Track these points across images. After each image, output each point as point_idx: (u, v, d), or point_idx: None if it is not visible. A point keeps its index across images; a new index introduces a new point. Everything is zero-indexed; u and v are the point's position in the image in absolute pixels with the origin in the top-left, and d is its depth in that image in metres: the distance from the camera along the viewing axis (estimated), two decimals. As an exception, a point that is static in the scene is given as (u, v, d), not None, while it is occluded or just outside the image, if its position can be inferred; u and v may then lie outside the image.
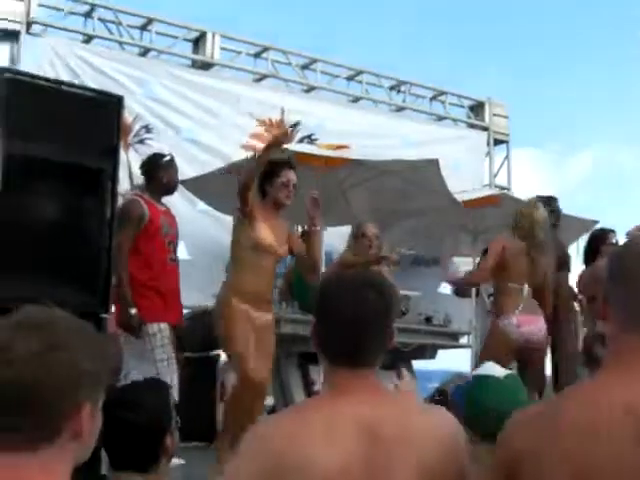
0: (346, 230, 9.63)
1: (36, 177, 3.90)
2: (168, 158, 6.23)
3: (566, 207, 8.45)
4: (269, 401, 7.99)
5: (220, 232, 9.65)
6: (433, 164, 8.10)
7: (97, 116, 4.11)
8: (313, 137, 10.59)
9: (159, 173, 6.01)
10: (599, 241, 7.54)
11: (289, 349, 8.55)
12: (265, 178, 5.71)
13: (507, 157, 13.97)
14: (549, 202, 7.35)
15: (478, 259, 9.46)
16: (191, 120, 10.19)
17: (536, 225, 6.39)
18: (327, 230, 8.76)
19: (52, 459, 1.53)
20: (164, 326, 5.72)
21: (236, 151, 10.26)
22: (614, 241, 7.54)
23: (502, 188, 13.09)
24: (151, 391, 2.69)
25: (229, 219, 9.83)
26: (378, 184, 8.93)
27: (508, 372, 3.33)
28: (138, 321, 5.56)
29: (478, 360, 6.45)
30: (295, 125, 7.66)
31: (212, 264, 8.85)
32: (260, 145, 10.42)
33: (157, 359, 5.66)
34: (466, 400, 3.03)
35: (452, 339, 9.84)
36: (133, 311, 5.54)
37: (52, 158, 3.92)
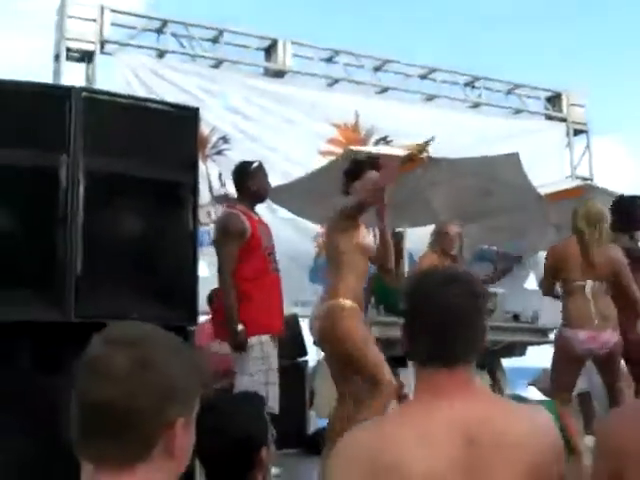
0: (427, 230, 9.59)
1: (117, 193, 3.92)
2: (256, 165, 6.10)
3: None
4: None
5: (302, 239, 9.67)
6: (513, 158, 7.97)
7: (175, 129, 4.12)
8: (388, 139, 10.57)
9: (248, 182, 5.91)
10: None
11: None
12: (350, 178, 5.53)
13: (588, 147, 13.72)
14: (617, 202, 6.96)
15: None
16: (267, 128, 10.24)
17: (578, 219, 6.16)
18: (407, 231, 8.70)
19: (147, 477, 1.50)
20: (265, 338, 5.69)
21: (314, 157, 10.32)
22: None
23: (584, 179, 12.87)
24: (244, 403, 2.67)
25: (311, 226, 9.93)
26: (458, 182, 8.80)
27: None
28: (245, 338, 5.54)
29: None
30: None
31: (294, 271, 8.84)
32: (337, 150, 10.47)
33: (252, 372, 5.62)
34: None
35: (541, 335, 9.64)
36: (240, 328, 5.50)
37: (132, 173, 3.93)
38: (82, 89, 3.99)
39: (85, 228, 3.75)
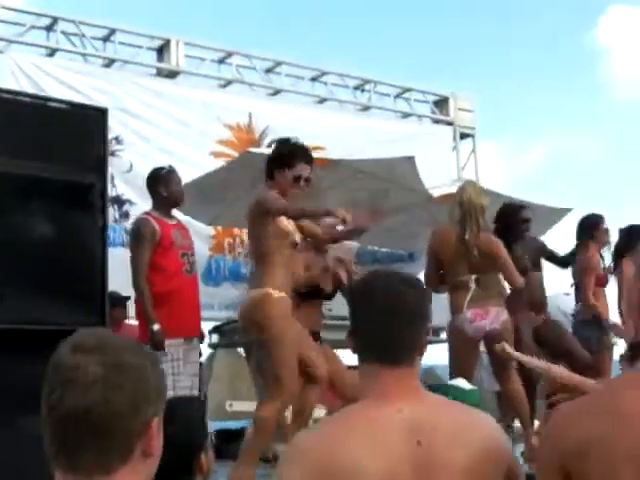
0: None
1: (24, 195, 3.84)
2: (166, 170, 6.12)
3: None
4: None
5: (195, 241, 9.57)
6: (410, 161, 8.11)
7: (83, 130, 4.06)
8: (282, 140, 10.54)
9: (159, 187, 5.93)
10: (592, 228, 7.65)
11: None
12: (276, 164, 5.36)
13: (473, 151, 14.00)
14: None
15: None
16: (160, 129, 10.12)
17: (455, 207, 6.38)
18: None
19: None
20: (173, 342, 5.68)
21: (207, 158, 10.27)
22: (605, 227, 7.65)
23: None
24: (184, 408, 2.64)
25: (205, 228, 9.88)
26: (354, 184, 8.90)
27: (474, 388, 3.65)
28: (161, 337, 5.50)
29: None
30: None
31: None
32: (229, 151, 10.44)
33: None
34: None
35: (433, 334, 9.84)
36: (155, 327, 5.48)
37: (39, 175, 3.86)
38: (-14, 88, 3.87)
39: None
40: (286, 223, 5.21)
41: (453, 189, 10.57)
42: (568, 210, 10.23)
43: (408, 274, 2.32)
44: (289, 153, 5.36)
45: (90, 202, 4.03)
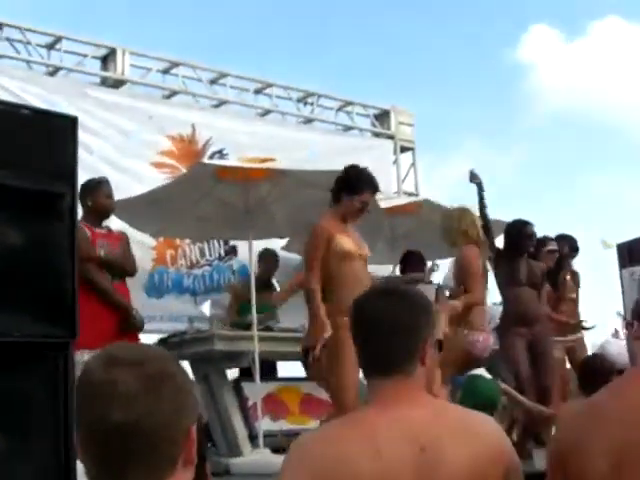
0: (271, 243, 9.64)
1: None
2: (95, 181, 6.26)
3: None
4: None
5: (137, 253, 9.52)
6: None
7: (52, 138, 3.97)
8: (224, 152, 10.55)
9: (86, 198, 6.04)
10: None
11: (221, 365, 8.51)
12: (345, 188, 5.83)
13: (413, 164, 14.13)
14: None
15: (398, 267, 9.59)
16: (103, 139, 9.99)
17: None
18: (253, 243, 8.71)
19: None
20: (86, 354, 5.58)
21: (148, 169, 10.20)
22: (553, 248, 7.81)
23: (410, 194, 13.26)
24: None
25: (147, 240, 9.78)
26: (302, 196, 8.89)
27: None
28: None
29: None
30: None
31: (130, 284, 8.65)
32: (170, 161, 10.39)
33: None
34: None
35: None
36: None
37: (6, 183, 3.76)
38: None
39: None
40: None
41: (401, 201, 10.72)
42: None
43: (400, 287, 2.36)
44: (358, 180, 5.84)
45: (59, 212, 3.94)
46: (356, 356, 2.28)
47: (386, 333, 2.17)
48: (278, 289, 9.88)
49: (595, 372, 5.70)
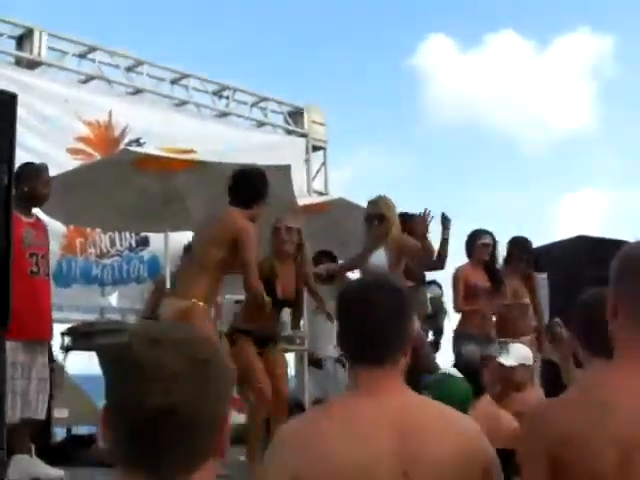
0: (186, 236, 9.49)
1: None
2: (32, 168, 6.00)
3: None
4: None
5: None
6: (284, 170, 8.09)
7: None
8: (141, 141, 10.37)
9: (22, 184, 5.73)
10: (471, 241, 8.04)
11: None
12: (260, 194, 6.10)
13: (324, 163, 14.17)
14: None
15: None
16: (17, 122, 9.69)
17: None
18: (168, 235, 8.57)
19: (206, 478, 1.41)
20: (12, 345, 5.42)
21: (64, 155, 9.93)
22: (485, 241, 7.88)
23: (320, 193, 13.30)
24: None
25: (57, 227, 9.51)
26: (220, 189, 8.78)
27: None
28: None
29: None
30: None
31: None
32: (87, 148, 10.17)
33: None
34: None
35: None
36: None
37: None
38: None
39: None
40: None
41: (314, 201, 10.71)
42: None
43: (386, 278, 2.39)
44: (265, 185, 6.13)
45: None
46: (339, 343, 2.32)
47: (377, 322, 2.20)
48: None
49: None
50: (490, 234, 8.02)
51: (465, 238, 8.08)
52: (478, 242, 7.89)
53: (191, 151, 8.68)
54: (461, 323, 7.84)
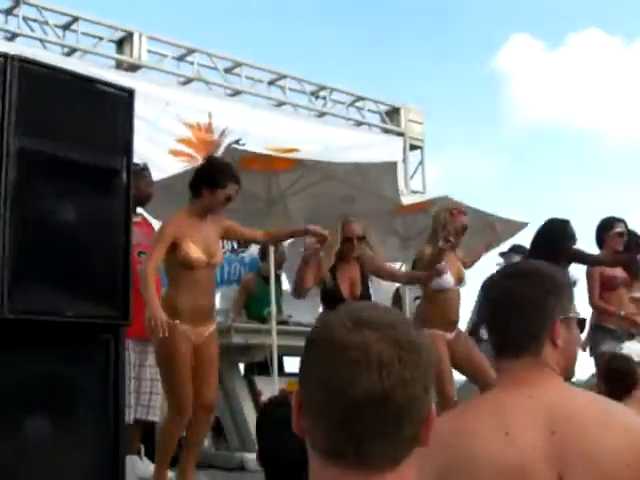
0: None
1: (49, 177, 3.53)
2: (137, 167, 6.00)
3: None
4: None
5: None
6: (391, 167, 7.97)
7: (109, 110, 3.79)
8: (241, 142, 10.34)
9: None
10: (603, 231, 7.58)
11: (235, 359, 8.33)
12: (207, 181, 5.47)
13: (421, 162, 14.02)
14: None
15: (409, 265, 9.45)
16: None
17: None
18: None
19: (409, 476, 1.29)
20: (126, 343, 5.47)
21: (166, 157, 9.98)
22: (619, 230, 7.51)
23: (417, 192, 13.15)
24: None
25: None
26: (321, 189, 8.69)
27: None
28: None
29: None
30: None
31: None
32: (188, 150, 10.19)
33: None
34: None
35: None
36: None
37: (65, 156, 3.56)
38: (18, 58, 3.58)
39: (15, 215, 3.36)
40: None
41: (416, 200, 10.56)
42: (525, 224, 10.22)
43: (530, 266, 2.27)
44: (222, 172, 5.50)
45: (115, 188, 3.75)
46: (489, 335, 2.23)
47: (511, 314, 2.11)
48: (286, 284, 9.73)
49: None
50: (624, 222, 7.61)
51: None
52: (612, 231, 7.51)
53: (295, 150, 8.60)
54: (598, 317, 7.50)
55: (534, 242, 7.13)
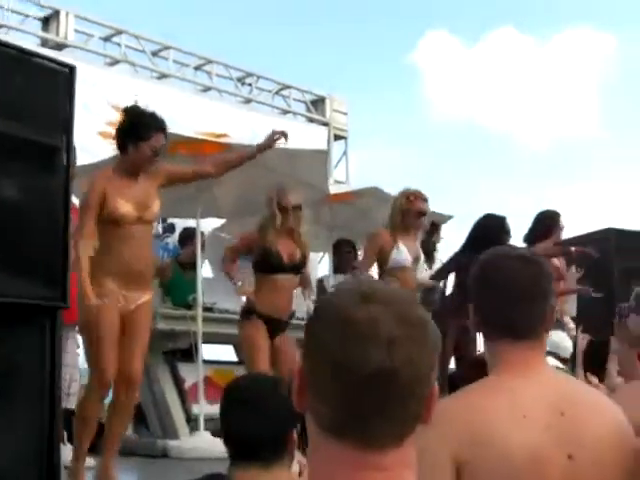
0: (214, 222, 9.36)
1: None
2: None
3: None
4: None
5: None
6: (322, 155, 7.95)
7: (49, 86, 3.67)
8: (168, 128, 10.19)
9: None
10: (552, 222, 7.61)
11: (159, 345, 8.24)
12: (129, 135, 5.21)
13: (345, 153, 14.08)
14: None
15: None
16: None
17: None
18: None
19: (409, 454, 1.27)
20: None
21: (96, 138, 9.79)
22: (562, 224, 7.61)
23: (340, 182, 13.20)
24: (272, 385, 2.44)
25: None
26: (250, 174, 8.62)
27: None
28: None
29: None
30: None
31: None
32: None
33: None
34: None
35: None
36: None
37: (3, 131, 3.45)
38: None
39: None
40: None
41: (343, 190, 10.59)
42: (449, 217, 10.33)
43: (529, 252, 2.30)
44: (143, 124, 5.24)
45: (54, 166, 3.65)
46: (478, 318, 2.19)
47: (520, 299, 2.12)
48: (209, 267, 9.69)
49: None
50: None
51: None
52: (559, 224, 7.61)
53: (225, 135, 8.53)
54: None
55: (473, 236, 7.20)
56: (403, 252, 6.56)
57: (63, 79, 3.74)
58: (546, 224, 7.63)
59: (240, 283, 6.85)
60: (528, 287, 2.12)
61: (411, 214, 6.71)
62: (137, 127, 5.19)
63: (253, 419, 2.26)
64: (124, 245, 5.05)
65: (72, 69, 3.79)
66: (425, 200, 6.83)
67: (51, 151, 3.64)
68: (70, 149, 3.72)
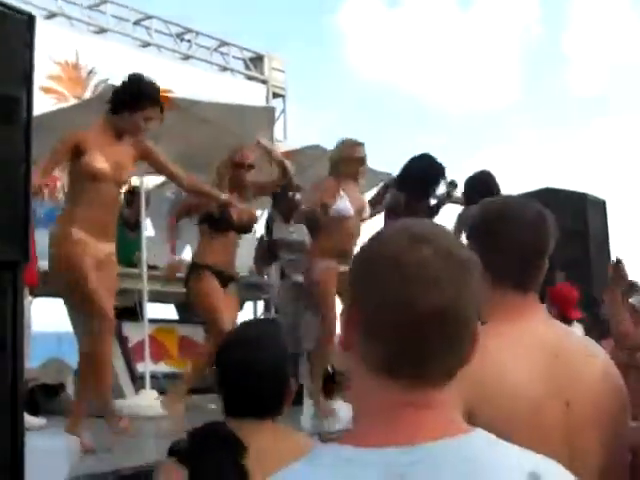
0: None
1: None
2: None
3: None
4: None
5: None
6: (269, 112, 7.88)
7: (7, 35, 3.55)
8: (109, 82, 10.04)
9: None
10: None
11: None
12: (128, 100, 5.20)
13: (284, 111, 13.99)
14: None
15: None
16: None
17: None
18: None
19: (452, 395, 1.27)
20: None
21: (37, 93, 9.55)
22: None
23: (278, 141, 13.15)
24: (270, 329, 2.40)
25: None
26: (194, 129, 8.51)
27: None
28: None
29: None
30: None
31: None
32: (59, 87, 9.81)
33: None
34: None
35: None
36: None
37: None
38: None
39: None
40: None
41: (285, 147, 10.52)
42: (389, 174, 10.33)
43: (542, 208, 2.23)
44: (145, 94, 5.24)
45: (13, 118, 3.54)
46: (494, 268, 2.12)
47: (532, 254, 2.15)
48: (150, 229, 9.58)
49: None
50: None
51: None
52: None
53: (170, 91, 8.38)
54: None
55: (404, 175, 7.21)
56: (345, 201, 6.52)
57: (22, 27, 3.62)
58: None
59: (178, 258, 6.90)
60: (543, 243, 2.15)
61: (352, 161, 6.68)
62: (137, 96, 5.19)
63: (254, 376, 2.23)
64: (95, 201, 5.07)
65: (31, 17, 3.68)
66: (362, 145, 6.81)
67: (11, 102, 3.54)
68: (31, 100, 3.62)
